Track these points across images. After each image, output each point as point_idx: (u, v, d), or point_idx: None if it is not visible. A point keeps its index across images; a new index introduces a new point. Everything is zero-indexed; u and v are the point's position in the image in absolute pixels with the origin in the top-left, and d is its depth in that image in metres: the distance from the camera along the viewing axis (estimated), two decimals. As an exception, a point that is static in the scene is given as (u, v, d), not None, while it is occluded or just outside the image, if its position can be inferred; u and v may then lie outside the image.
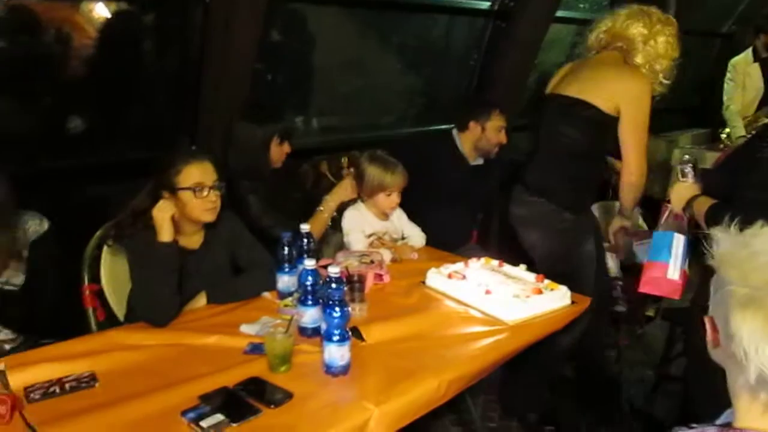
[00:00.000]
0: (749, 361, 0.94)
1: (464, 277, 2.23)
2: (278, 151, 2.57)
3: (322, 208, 2.59)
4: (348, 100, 3.95)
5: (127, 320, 2.11)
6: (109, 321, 2.16)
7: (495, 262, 2.38)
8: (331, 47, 3.61)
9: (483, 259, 2.41)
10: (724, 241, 1.03)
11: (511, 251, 2.63)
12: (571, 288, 2.16)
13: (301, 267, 1.92)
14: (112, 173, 2.81)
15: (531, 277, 2.24)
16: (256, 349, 1.74)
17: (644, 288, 2.20)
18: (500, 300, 2.05)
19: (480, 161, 3.12)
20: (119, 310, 2.20)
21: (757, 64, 4.95)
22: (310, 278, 1.82)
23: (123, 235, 2.07)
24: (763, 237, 1.01)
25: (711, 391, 1.18)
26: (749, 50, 5.05)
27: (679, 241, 2.10)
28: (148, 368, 1.69)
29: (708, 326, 1.05)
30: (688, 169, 2.08)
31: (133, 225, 2.04)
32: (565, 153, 2.49)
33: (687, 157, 2.20)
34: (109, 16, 2.80)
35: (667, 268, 2.11)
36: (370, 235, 2.58)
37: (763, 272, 0.95)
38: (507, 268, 2.34)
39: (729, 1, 6.17)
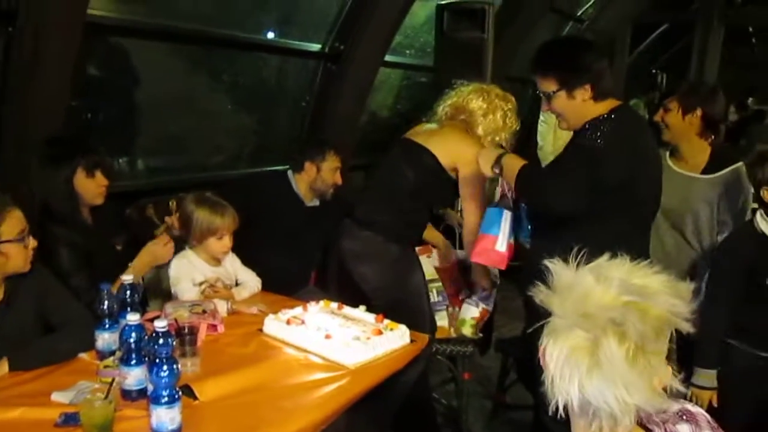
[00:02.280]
0: (555, 388, 0.98)
1: (303, 322, 2.16)
2: (91, 186, 2.32)
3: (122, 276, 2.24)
4: (177, 139, 3.77)
5: None
6: None
7: (334, 305, 2.34)
8: (160, 85, 3.45)
9: (322, 302, 2.36)
10: (558, 275, 1.06)
11: (350, 292, 2.63)
12: (403, 319, 2.22)
13: (123, 322, 1.74)
14: None
15: (371, 318, 2.23)
16: (70, 419, 1.54)
17: (475, 258, 2.44)
18: (341, 344, 2.01)
19: (316, 202, 3.09)
20: None
21: None
22: (133, 334, 1.66)
23: None
24: (583, 271, 1.04)
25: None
26: None
27: (507, 217, 2.31)
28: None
29: (541, 353, 1.07)
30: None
31: None
32: (399, 190, 2.67)
33: None
34: None
35: (497, 240, 2.33)
36: (201, 283, 2.43)
37: (577, 305, 0.98)
38: (347, 310, 2.31)
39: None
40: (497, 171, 2.24)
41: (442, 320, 2.88)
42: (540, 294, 1.05)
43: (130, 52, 3.25)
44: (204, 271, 2.47)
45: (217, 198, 2.52)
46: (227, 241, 2.49)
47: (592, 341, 0.96)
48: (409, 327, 2.18)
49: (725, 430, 1.14)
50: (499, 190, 2.44)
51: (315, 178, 3.02)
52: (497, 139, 2.64)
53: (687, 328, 1.00)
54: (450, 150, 2.59)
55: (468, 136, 2.64)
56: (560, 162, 2.15)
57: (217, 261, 2.52)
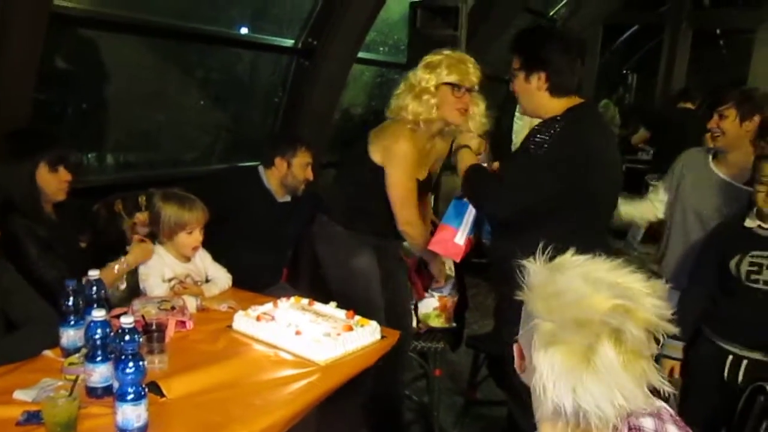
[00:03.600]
0: (546, 395, 0.97)
1: (273, 318, 2.15)
2: (53, 181, 2.27)
3: (116, 267, 2.30)
4: (148, 134, 3.71)
5: None
6: None
7: (305, 301, 2.33)
8: (131, 79, 3.39)
9: (293, 299, 2.35)
10: (535, 274, 1.05)
11: (322, 288, 2.62)
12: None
13: (89, 319, 1.70)
14: None
15: (341, 314, 2.22)
16: (32, 418, 1.51)
17: (433, 247, 2.46)
18: (311, 340, 2.00)
19: (288, 198, 3.07)
20: None
21: None
22: (99, 331, 1.63)
23: None
24: (567, 274, 1.04)
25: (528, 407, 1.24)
26: None
27: (471, 211, 2.33)
28: None
29: (516, 352, 1.08)
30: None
31: None
32: (348, 177, 2.76)
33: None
34: None
35: (456, 233, 2.36)
36: (170, 279, 2.40)
37: (567, 310, 0.97)
38: (317, 306, 2.30)
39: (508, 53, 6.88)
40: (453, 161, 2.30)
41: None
42: (524, 297, 1.05)
43: (100, 45, 3.19)
44: (174, 268, 2.44)
45: (184, 193, 2.49)
46: (198, 235, 2.46)
47: (587, 347, 0.95)
48: (357, 314, 2.21)
49: (690, 415, 1.15)
50: None
51: (286, 174, 3.00)
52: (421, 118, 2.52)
53: (672, 330, 1.00)
54: (381, 148, 2.56)
55: (395, 132, 2.55)
56: (506, 168, 2.20)
57: (186, 257, 2.49)
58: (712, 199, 2.57)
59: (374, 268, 2.70)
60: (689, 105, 5.89)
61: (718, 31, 10.00)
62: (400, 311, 2.79)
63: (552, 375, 0.96)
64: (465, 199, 2.34)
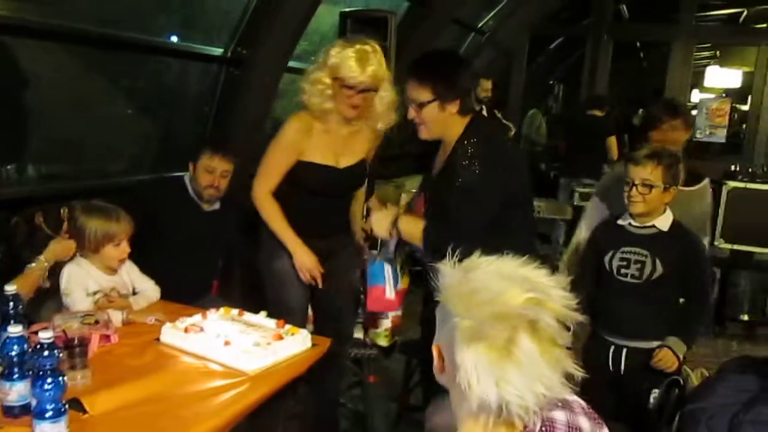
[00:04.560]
0: (471, 390, 1.00)
1: (202, 329, 2.13)
2: None
3: (33, 265, 2.25)
4: (72, 144, 3.59)
5: None
6: None
7: (235, 312, 2.32)
8: (53, 87, 3.27)
9: (222, 310, 2.33)
10: (448, 275, 1.09)
11: (255, 299, 2.60)
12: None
13: (5, 335, 1.65)
14: None
15: (272, 323, 2.22)
16: (-57, 440, 1.45)
17: (371, 307, 2.58)
18: (240, 350, 1.99)
19: (216, 207, 3.02)
20: None
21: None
22: (16, 347, 1.58)
23: None
24: (480, 272, 1.07)
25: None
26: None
27: (388, 268, 2.43)
28: None
29: (435, 354, 1.11)
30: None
31: None
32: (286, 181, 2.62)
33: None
34: None
35: (385, 289, 2.43)
36: (95, 293, 2.34)
37: (485, 307, 1.01)
38: (247, 316, 2.30)
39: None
40: (394, 234, 2.26)
41: (358, 332, 2.93)
42: (441, 298, 1.08)
43: (19, 52, 3.08)
44: (99, 280, 2.38)
45: (106, 204, 2.44)
46: (125, 247, 2.42)
47: (506, 340, 0.98)
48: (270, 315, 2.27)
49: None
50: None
51: (191, 178, 2.96)
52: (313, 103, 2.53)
53: (579, 318, 1.05)
54: None
55: (293, 117, 2.60)
56: (451, 208, 2.16)
57: (113, 270, 2.44)
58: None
59: (294, 273, 2.63)
60: (597, 112, 6.21)
61: (638, 44, 10.48)
62: (335, 315, 2.76)
63: (475, 370, 0.99)
64: (377, 260, 2.43)
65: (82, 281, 2.34)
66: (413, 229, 2.21)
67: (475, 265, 1.10)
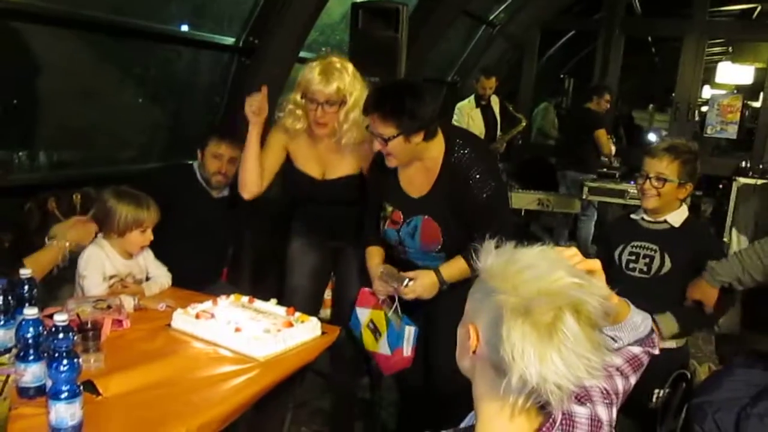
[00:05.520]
0: (515, 364, 0.98)
1: (213, 315, 2.15)
2: None
3: (54, 243, 2.22)
4: (83, 131, 3.61)
5: None
6: None
7: (245, 299, 2.34)
8: (64, 75, 3.29)
9: (233, 296, 2.35)
10: (493, 254, 1.09)
11: (264, 286, 2.62)
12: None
13: (20, 318, 1.67)
14: None
15: (282, 311, 2.24)
16: (-40, 419, 1.47)
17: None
18: (250, 336, 2.01)
19: (225, 194, 3.03)
20: None
21: (479, 109, 5.66)
22: (31, 330, 1.60)
23: None
24: (526, 254, 1.08)
25: (456, 399, 1.28)
26: (473, 96, 5.75)
27: (410, 332, 2.32)
28: None
29: (472, 333, 1.09)
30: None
31: None
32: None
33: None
34: None
35: (402, 351, 2.34)
36: (111, 277, 2.37)
37: (533, 284, 1.01)
38: (258, 303, 2.32)
39: (450, 55, 6.99)
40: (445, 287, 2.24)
41: None
42: (484, 276, 1.08)
43: (31, 39, 3.10)
44: (116, 264, 2.41)
45: (136, 191, 2.47)
46: (150, 234, 2.46)
47: (553, 317, 0.98)
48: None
49: None
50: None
51: (200, 165, 2.98)
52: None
53: (614, 308, 1.06)
54: None
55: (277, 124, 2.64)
56: (487, 218, 2.14)
57: (130, 254, 2.47)
58: None
59: (304, 257, 2.70)
60: (590, 105, 6.18)
61: (649, 39, 10.40)
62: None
63: (521, 343, 0.98)
64: (395, 323, 2.34)
65: (100, 264, 2.36)
66: (457, 269, 2.21)
67: (519, 250, 1.10)
